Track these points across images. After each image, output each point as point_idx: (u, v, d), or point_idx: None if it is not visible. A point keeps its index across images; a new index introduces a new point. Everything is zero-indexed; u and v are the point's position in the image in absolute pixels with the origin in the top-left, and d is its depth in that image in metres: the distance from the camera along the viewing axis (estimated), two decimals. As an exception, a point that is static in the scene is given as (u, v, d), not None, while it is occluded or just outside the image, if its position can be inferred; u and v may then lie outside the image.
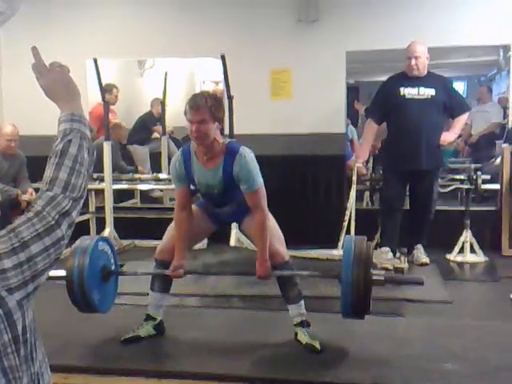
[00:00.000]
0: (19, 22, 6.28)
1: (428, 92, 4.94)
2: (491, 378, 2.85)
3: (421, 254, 5.07)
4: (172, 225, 3.35)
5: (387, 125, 5.21)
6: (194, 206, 3.38)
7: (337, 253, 4.94)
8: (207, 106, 2.99)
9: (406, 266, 4.75)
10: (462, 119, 5.18)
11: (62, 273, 3.09)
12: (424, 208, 5.10)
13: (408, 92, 4.96)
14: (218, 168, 3.13)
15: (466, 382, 2.84)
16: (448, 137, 5.13)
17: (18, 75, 6.31)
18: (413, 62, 4.92)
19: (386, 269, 4.75)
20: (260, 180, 3.12)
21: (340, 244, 5.10)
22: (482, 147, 7.25)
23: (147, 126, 7.32)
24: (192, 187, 3.28)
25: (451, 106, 5.02)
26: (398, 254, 5.03)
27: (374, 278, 2.97)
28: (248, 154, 3.10)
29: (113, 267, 3.37)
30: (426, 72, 5.00)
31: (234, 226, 5.33)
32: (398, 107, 4.98)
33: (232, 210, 3.33)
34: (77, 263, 3.10)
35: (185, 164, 3.20)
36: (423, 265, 5.02)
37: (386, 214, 5.16)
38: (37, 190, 5.50)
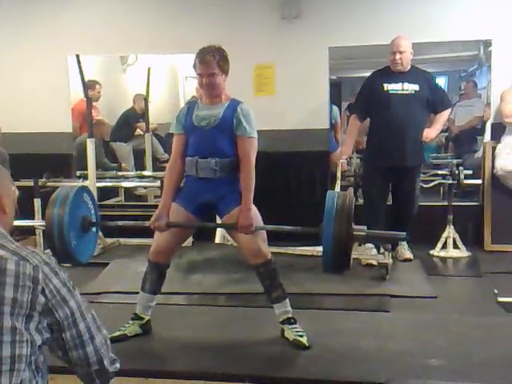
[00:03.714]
0: (-1, 18, 6.23)
1: (412, 87, 4.95)
2: (476, 373, 2.87)
3: (404, 249, 5.10)
4: None
5: (370, 120, 5.21)
6: (173, 204, 3.32)
7: (321, 249, 4.95)
8: (215, 60, 3.21)
9: (390, 261, 4.78)
10: (444, 115, 5.19)
11: (41, 222, 3.08)
12: (407, 204, 5.11)
13: (391, 87, 4.97)
14: (221, 106, 3.27)
15: (450, 377, 2.86)
16: (430, 133, 5.11)
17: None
18: (397, 56, 4.92)
19: (370, 265, 4.79)
20: (255, 132, 3.25)
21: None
22: (463, 142, 7.29)
23: (130, 122, 7.27)
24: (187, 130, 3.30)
25: (434, 101, 5.03)
26: (381, 250, 5.05)
27: (355, 233, 2.98)
28: (250, 109, 3.28)
29: (93, 218, 3.36)
30: (409, 67, 5.01)
31: (219, 220, 5.32)
32: (382, 103, 4.98)
33: (214, 173, 3.22)
34: (57, 212, 3.09)
35: (188, 110, 3.34)
36: (407, 260, 5.05)
37: (369, 210, 5.16)
38: (19, 188, 5.46)
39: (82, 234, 3.26)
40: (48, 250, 3.13)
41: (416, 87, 4.94)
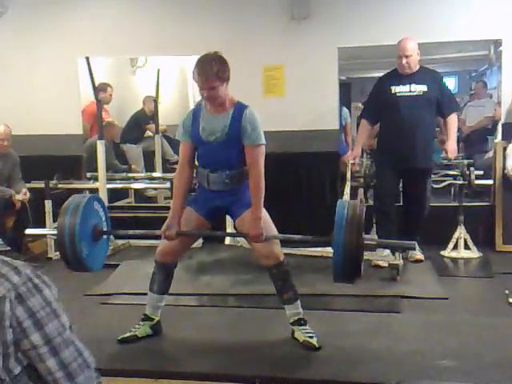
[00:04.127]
0: (10, 21, 6.26)
1: (420, 88, 4.91)
2: (487, 374, 2.86)
3: (416, 250, 5.04)
4: None
5: (380, 123, 5.20)
6: (186, 207, 3.35)
7: (331, 250, 4.94)
8: (214, 73, 3.08)
9: (400, 262, 4.76)
10: (454, 122, 5.10)
11: (53, 230, 3.09)
12: (418, 206, 5.08)
13: (399, 90, 4.94)
14: (227, 117, 3.20)
15: (462, 378, 2.85)
16: (450, 147, 5.08)
17: (8, 74, 6.31)
18: (404, 61, 4.88)
19: (379, 266, 4.76)
20: (263, 138, 3.20)
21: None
22: (474, 142, 7.26)
23: (140, 124, 7.30)
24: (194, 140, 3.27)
25: (442, 102, 4.98)
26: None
27: (366, 242, 3.01)
28: (255, 113, 3.21)
29: (104, 226, 3.37)
30: (417, 68, 4.97)
31: (229, 224, 5.32)
32: (390, 106, 4.96)
33: (224, 184, 3.25)
34: (68, 220, 3.11)
35: (194, 118, 3.28)
36: (418, 261, 5.02)
37: (380, 211, 5.16)
38: (30, 190, 5.49)
39: (94, 242, 3.28)
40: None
41: (424, 88, 4.91)
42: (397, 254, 4.79)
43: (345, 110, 6.99)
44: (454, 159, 5.44)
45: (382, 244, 3.21)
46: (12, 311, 1.44)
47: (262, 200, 3.17)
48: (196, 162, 3.36)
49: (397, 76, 5.00)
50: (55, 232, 3.18)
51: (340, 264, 2.95)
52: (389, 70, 5.14)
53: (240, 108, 3.21)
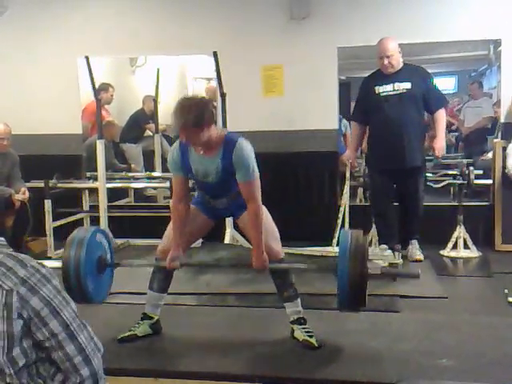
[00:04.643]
0: (9, 20, 6.26)
1: (403, 86, 4.86)
2: (487, 373, 2.86)
3: (416, 250, 5.06)
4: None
5: (369, 124, 5.17)
6: (191, 206, 3.37)
7: (331, 249, 4.96)
8: (190, 122, 2.94)
9: (400, 261, 4.77)
10: (441, 118, 4.99)
11: (58, 263, 3.10)
12: (411, 205, 5.06)
13: (383, 90, 4.91)
14: (217, 157, 3.13)
15: (461, 377, 2.85)
16: (438, 145, 4.99)
17: (8, 74, 6.31)
18: (386, 61, 4.85)
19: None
20: (256, 172, 3.13)
21: (335, 241, 5.11)
22: (473, 142, 7.27)
23: (139, 123, 7.29)
24: (189, 175, 3.27)
25: (428, 98, 4.91)
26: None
27: (370, 271, 3.01)
28: (246, 146, 3.11)
29: (109, 259, 3.38)
30: (401, 66, 4.91)
31: (229, 223, 5.34)
32: (376, 107, 4.93)
33: (227, 202, 3.31)
34: (73, 254, 3.12)
35: (182, 153, 3.19)
36: (417, 261, 5.00)
37: (376, 213, 5.17)
38: (30, 189, 5.48)
39: (99, 275, 3.30)
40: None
41: (407, 85, 4.85)
42: (396, 253, 4.80)
43: (344, 121, 7.03)
44: (453, 159, 5.44)
45: (386, 272, 3.21)
46: (25, 303, 1.48)
47: (263, 233, 3.15)
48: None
49: (380, 76, 4.96)
50: (60, 265, 3.18)
51: (345, 294, 2.97)
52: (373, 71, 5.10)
53: (229, 144, 3.10)
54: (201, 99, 3.12)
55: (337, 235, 5.19)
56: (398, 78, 4.88)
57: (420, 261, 5.01)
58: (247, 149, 3.10)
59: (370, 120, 5.09)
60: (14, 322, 1.47)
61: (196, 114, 2.97)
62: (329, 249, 5.07)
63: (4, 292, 1.48)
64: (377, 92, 4.92)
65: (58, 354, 1.55)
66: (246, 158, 3.09)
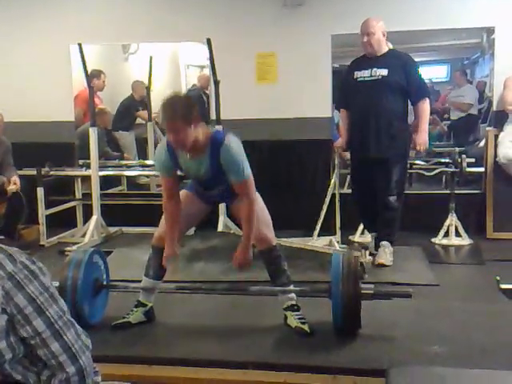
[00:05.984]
0: (1, 8, 6.21)
1: (379, 72, 4.58)
2: (478, 360, 2.88)
3: (383, 253, 4.63)
4: None
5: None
6: (183, 190, 3.38)
7: (319, 243, 5.03)
8: (178, 117, 2.93)
9: (367, 259, 4.60)
10: (423, 110, 4.64)
11: (55, 284, 3.10)
12: (381, 203, 4.68)
13: (360, 75, 4.68)
14: (204, 159, 3.11)
15: (453, 363, 2.86)
16: (420, 139, 4.64)
17: (0, 61, 6.27)
18: (365, 39, 4.59)
19: (383, 265, 4.61)
20: (247, 171, 3.08)
21: (316, 233, 5.17)
22: (461, 130, 7.31)
23: (130, 111, 7.23)
24: (180, 173, 3.28)
25: (408, 87, 4.59)
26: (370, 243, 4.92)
27: (363, 292, 3.12)
28: (233, 144, 3.05)
29: (104, 280, 3.43)
30: (385, 50, 4.66)
31: (222, 211, 5.34)
32: (353, 92, 4.76)
33: (222, 191, 3.30)
34: (71, 275, 3.16)
35: (170, 153, 3.16)
36: (380, 265, 4.56)
37: (355, 202, 4.99)
38: (22, 176, 5.47)
39: (94, 297, 3.33)
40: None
41: (384, 72, 4.57)
42: (363, 251, 4.66)
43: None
44: (445, 147, 5.40)
45: (378, 293, 3.26)
46: (9, 299, 1.46)
47: (254, 231, 3.16)
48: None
49: (362, 60, 4.75)
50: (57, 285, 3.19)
51: (339, 316, 3.09)
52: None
53: (216, 143, 3.05)
54: (186, 98, 3.17)
55: (318, 227, 5.22)
56: (376, 64, 4.61)
57: (384, 265, 4.57)
58: (235, 147, 3.05)
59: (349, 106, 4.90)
60: None
61: (184, 108, 2.96)
62: (320, 241, 5.07)
63: None
64: (355, 77, 4.71)
65: (44, 352, 1.54)
66: (235, 158, 3.04)
